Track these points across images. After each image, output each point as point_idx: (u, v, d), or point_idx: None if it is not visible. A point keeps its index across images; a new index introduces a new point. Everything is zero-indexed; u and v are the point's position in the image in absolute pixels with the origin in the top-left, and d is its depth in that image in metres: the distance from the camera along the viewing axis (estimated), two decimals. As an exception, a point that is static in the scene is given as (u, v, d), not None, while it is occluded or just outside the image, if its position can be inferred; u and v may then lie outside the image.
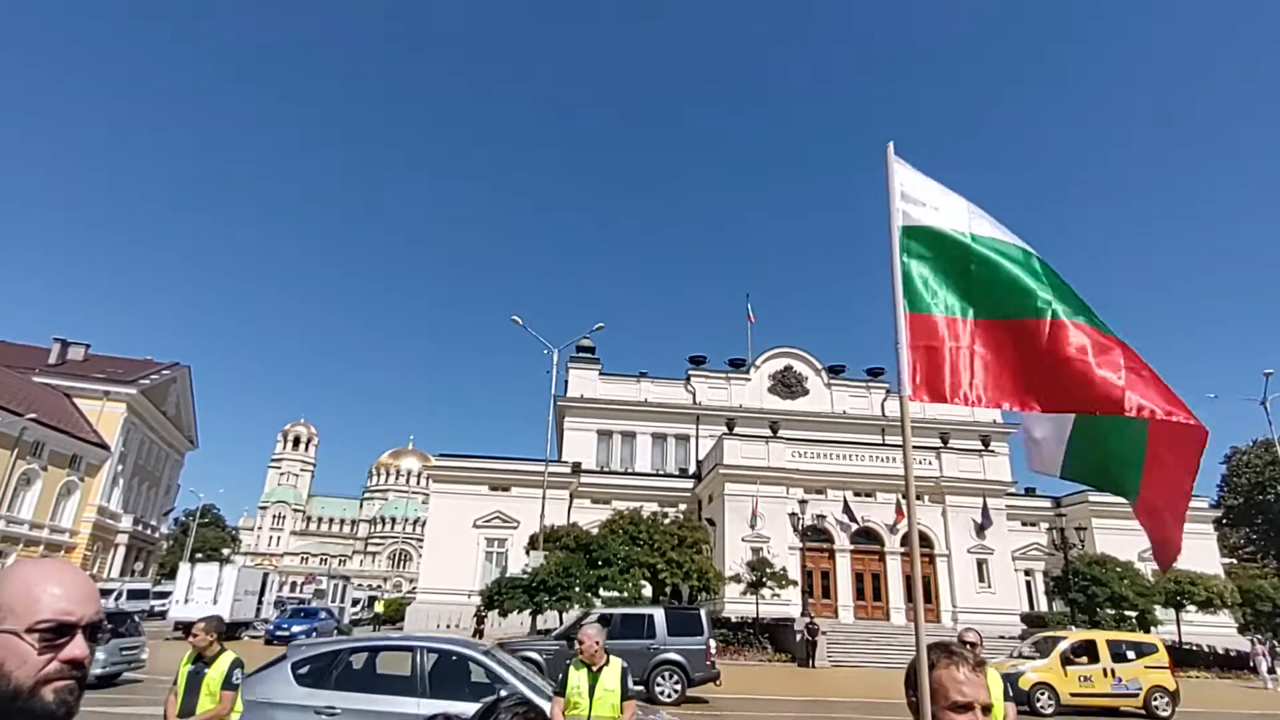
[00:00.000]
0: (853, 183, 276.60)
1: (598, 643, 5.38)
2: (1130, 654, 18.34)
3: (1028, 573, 39.84)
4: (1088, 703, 17.51)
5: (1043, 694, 17.30)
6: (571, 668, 5.44)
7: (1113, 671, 17.75)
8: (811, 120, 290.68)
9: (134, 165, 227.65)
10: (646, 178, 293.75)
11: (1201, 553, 37.87)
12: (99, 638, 1.16)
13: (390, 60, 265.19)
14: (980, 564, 34.19)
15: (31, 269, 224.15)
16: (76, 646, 1.08)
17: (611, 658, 5.49)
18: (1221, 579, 32.50)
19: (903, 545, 34.23)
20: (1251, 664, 26.59)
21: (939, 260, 3.47)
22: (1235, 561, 44.88)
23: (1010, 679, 16.65)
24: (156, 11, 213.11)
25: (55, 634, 1.07)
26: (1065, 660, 17.95)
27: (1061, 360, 3.17)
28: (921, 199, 3.56)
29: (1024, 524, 40.38)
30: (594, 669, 5.36)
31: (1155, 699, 17.43)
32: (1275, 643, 26.62)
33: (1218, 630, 32.48)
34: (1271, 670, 25.78)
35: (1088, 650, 18.27)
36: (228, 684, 5.77)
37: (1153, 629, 31.25)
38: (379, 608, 49.28)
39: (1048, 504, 41.87)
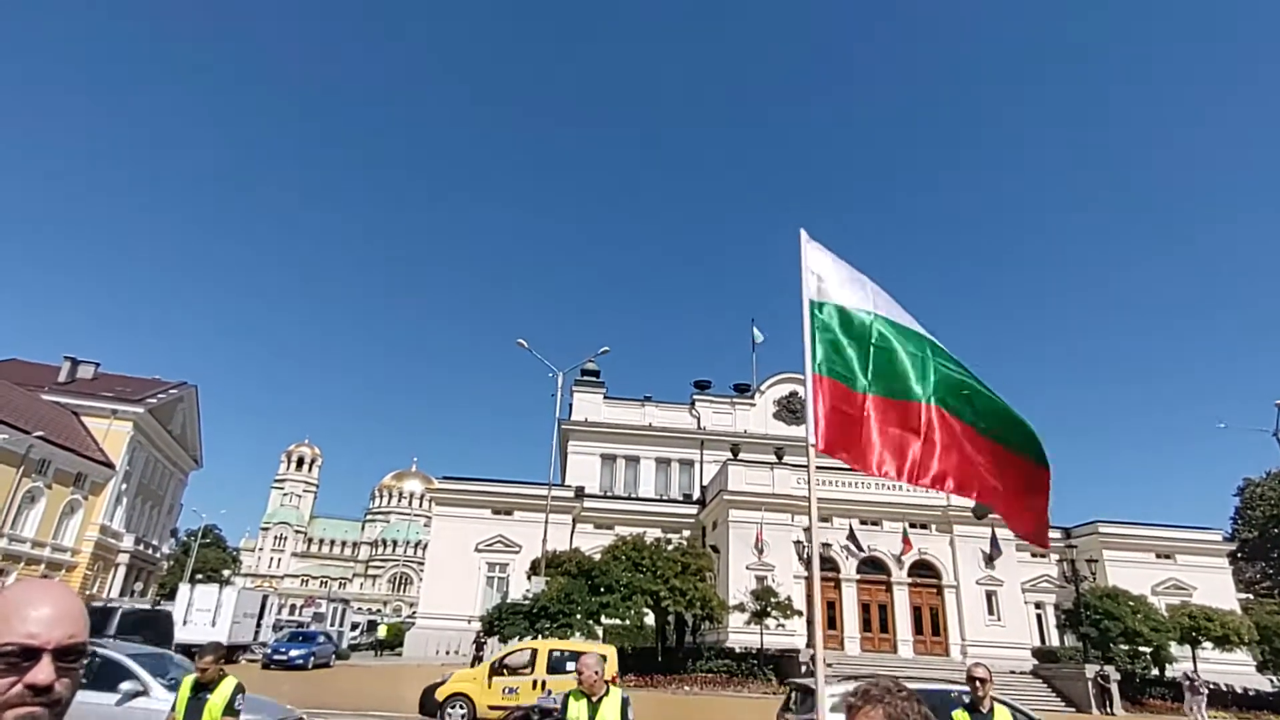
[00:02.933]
0: (858, 205, 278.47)
1: (597, 672, 5.27)
2: (570, 665, 16.57)
3: (1038, 605, 39.09)
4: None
5: (457, 706, 15.80)
6: (571, 698, 5.33)
7: (544, 684, 16.35)
8: (816, 143, 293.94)
9: (143, 184, 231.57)
10: (653, 201, 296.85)
11: (1216, 587, 37.18)
12: (76, 663, 1.13)
13: (392, 80, 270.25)
14: (989, 596, 33.57)
15: (46, 287, 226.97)
16: (40, 671, 1.06)
17: (612, 688, 5.37)
18: (1238, 615, 31.75)
19: (910, 575, 33.70)
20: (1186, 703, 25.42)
21: (843, 334, 4.04)
22: (1251, 597, 43.88)
23: (429, 690, 15.90)
24: (164, 17, 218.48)
25: (19, 658, 1.05)
26: (495, 670, 16.67)
27: (933, 443, 3.85)
28: (831, 277, 4.13)
29: (1034, 555, 39.69)
30: (594, 699, 5.24)
31: None
32: (1197, 678, 25.64)
33: (1236, 668, 31.64)
34: (1203, 710, 24.61)
35: (531, 660, 17.07)
36: (229, 710, 5.68)
37: (1168, 666, 30.56)
38: (382, 632, 48.69)
39: (1058, 535, 41.15)
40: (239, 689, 5.84)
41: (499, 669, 16.70)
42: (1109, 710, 25.79)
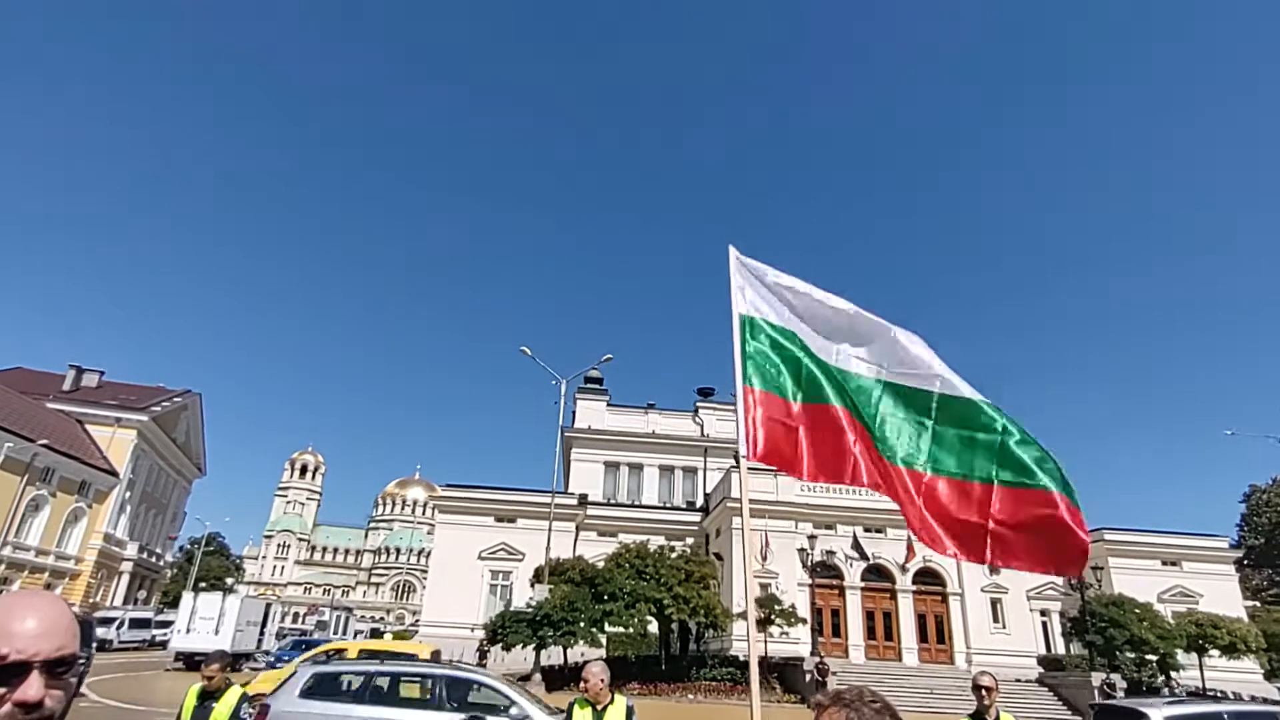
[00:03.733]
0: (864, 209, 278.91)
1: (602, 680, 5.27)
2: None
3: (1043, 613, 38.86)
4: None
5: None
6: (576, 707, 5.32)
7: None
8: (821, 142, 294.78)
9: (146, 189, 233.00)
10: (656, 206, 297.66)
11: (1223, 594, 36.90)
12: (68, 675, 1.10)
13: (395, 83, 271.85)
14: (994, 603, 33.41)
15: (52, 295, 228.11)
16: (30, 687, 1.02)
17: (616, 696, 5.37)
18: (1245, 622, 31.54)
19: (914, 583, 33.56)
20: None
21: (774, 349, 4.15)
22: (1259, 604, 43.57)
23: None
24: (173, 22, 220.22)
25: (7, 674, 1.01)
26: None
27: (866, 445, 3.87)
28: (759, 293, 4.25)
29: (1039, 563, 39.53)
30: (598, 708, 5.23)
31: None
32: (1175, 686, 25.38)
33: (1243, 677, 31.44)
34: None
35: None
36: (235, 718, 5.71)
37: (1175, 674, 30.36)
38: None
39: (1062, 542, 41.00)
40: (244, 698, 5.88)
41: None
42: (1116, 719, 25.60)
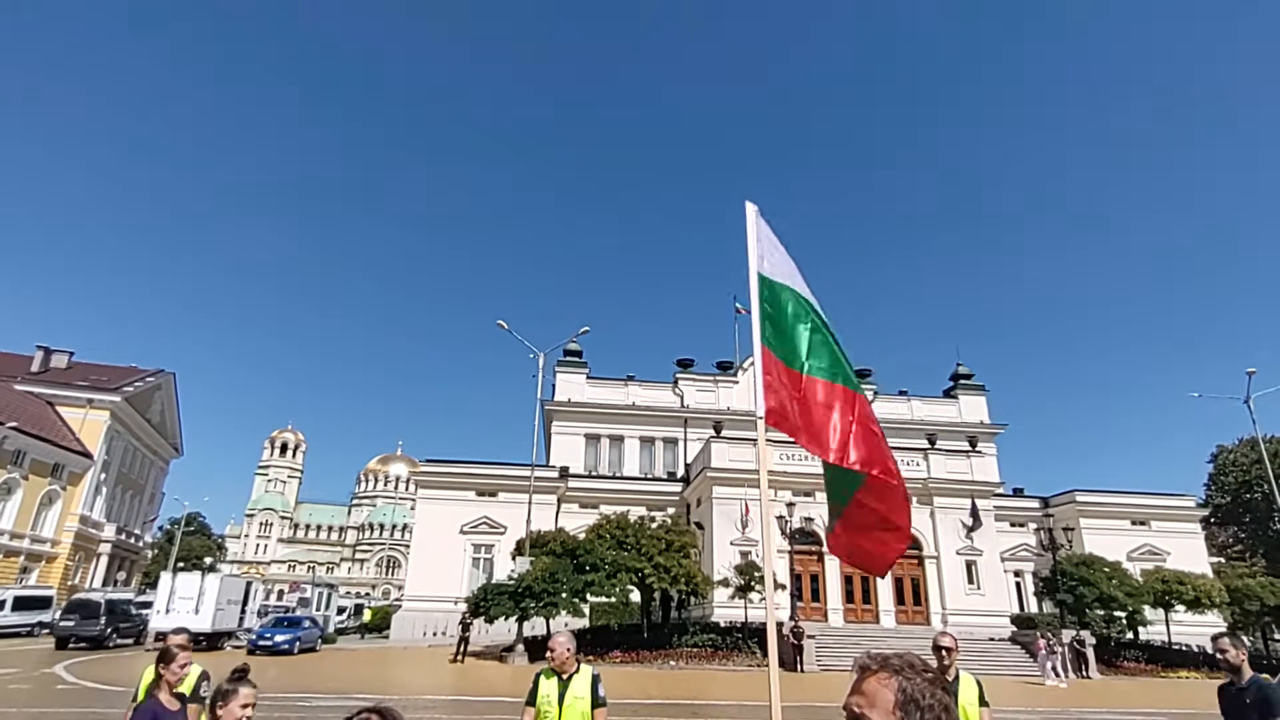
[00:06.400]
0: (842, 176, 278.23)
1: (569, 650, 5.24)
2: None
3: (1017, 574, 39.89)
4: None
5: None
6: (542, 676, 5.30)
7: None
8: (803, 111, 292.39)
9: (116, 166, 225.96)
10: (632, 177, 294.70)
11: (1189, 552, 38.16)
12: None
13: (368, 49, 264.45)
14: (969, 565, 34.18)
15: (15, 274, 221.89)
16: None
17: (582, 665, 5.35)
18: (1209, 578, 32.59)
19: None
20: (1039, 661, 25.65)
21: (783, 312, 4.11)
22: (1223, 560, 45.08)
23: None
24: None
25: None
26: None
27: (830, 418, 3.84)
28: (772, 254, 4.20)
29: (1012, 525, 40.46)
30: (564, 677, 5.21)
31: None
32: (1051, 638, 26.01)
33: (1209, 630, 32.46)
34: (1057, 670, 24.91)
35: None
36: (194, 697, 5.62)
37: (1142, 629, 31.38)
38: (366, 615, 48.77)
39: (1035, 504, 41.98)
40: (204, 675, 5.79)
41: None
42: (1085, 674, 26.46)
